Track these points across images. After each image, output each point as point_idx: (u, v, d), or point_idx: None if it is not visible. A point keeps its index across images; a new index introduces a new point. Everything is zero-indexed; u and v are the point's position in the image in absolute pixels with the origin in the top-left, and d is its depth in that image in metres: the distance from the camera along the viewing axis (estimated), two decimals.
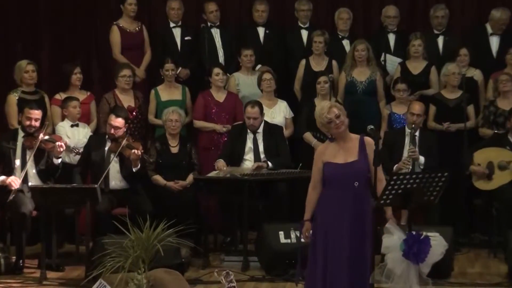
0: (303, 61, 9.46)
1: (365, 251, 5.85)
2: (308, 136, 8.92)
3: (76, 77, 8.97)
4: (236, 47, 9.60)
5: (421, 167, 8.44)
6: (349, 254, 5.84)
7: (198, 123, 9.17)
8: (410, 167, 8.42)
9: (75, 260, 8.08)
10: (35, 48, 9.98)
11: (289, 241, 7.80)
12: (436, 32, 9.62)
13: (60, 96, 8.95)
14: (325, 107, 5.97)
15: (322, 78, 8.94)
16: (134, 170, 8.22)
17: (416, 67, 9.35)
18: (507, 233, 7.79)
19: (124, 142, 8.17)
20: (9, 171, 8.00)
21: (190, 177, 8.54)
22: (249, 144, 8.63)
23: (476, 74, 9.29)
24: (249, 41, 9.55)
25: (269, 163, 8.50)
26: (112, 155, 8.20)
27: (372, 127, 6.02)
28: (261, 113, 8.61)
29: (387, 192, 5.82)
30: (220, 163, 8.47)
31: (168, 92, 9.23)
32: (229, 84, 9.34)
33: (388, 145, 8.57)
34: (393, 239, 5.92)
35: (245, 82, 9.38)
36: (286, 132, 9.03)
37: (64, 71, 9.02)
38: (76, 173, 8.49)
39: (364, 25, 10.11)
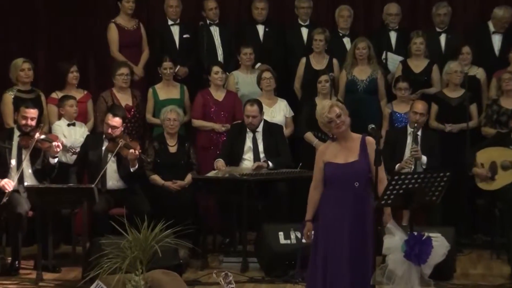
0: (303, 59, 9.44)
1: (366, 252, 5.83)
2: (309, 136, 8.89)
3: (73, 75, 8.95)
4: (235, 45, 9.58)
5: (423, 166, 8.42)
6: (350, 254, 5.82)
7: (197, 122, 9.14)
8: (413, 167, 8.41)
9: (71, 261, 8.06)
10: (31, 46, 9.95)
11: (289, 241, 7.78)
12: (438, 30, 9.60)
13: (57, 94, 8.92)
14: (326, 106, 5.95)
15: (323, 77, 8.92)
16: (131, 170, 8.20)
17: (417, 65, 9.33)
18: (510, 234, 7.82)
19: (121, 141, 8.14)
20: (5, 171, 7.96)
21: (189, 177, 8.52)
22: (249, 143, 8.60)
23: (478, 72, 9.27)
24: (248, 39, 9.52)
25: (270, 163, 8.47)
26: (109, 155, 8.18)
27: (373, 126, 6.00)
28: (261, 111, 8.58)
29: (388, 192, 5.79)
30: (220, 162, 8.45)
31: (166, 91, 9.21)
32: (228, 83, 9.32)
33: (390, 144, 8.56)
34: (394, 239, 5.88)
35: (244, 81, 9.36)
36: (286, 131, 9.01)
37: (61, 69, 9.00)
38: (72, 173, 8.48)
39: (365, 22, 10.09)
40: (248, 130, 8.60)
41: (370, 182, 5.88)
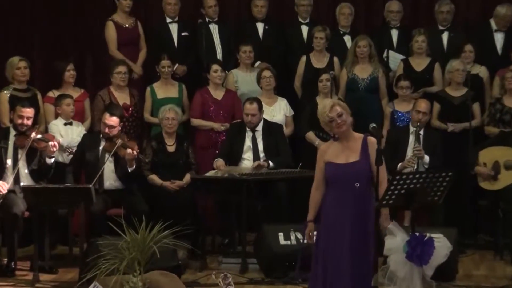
0: (304, 58, 9.42)
1: (367, 253, 5.81)
2: (310, 135, 8.86)
3: (69, 74, 8.91)
4: (234, 43, 9.57)
5: (426, 166, 8.40)
6: (351, 255, 5.80)
7: (196, 122, 9.11)
8: (415, 166, 8.38)
9: (68, 262, 8.02)
10: (27, 44, 9.93)
11: (288, 242, 7.75)
12: (440, 28, 9.59)
13: (53, 93, 8.89)
14: (327, 105, 5.95)
15: (324, 76, 8.89)
16: (129, 170, 8.17)
17: (419, 63, 9.30)
18: None
19: (119, 141, 8.11)
20: (1, 171, 7.92)
21: (187, 177, 8.49)
22: (248, 142, 8.57)
23: (481, 71, 9.26)
24: (248, 37, 9.49)
25: (270, 163, 8.44)
26: (106, 155, 8.15)
27: (374, 125, 5.99)
28: (260, 109, 8.55)
29: (389, 192, 5.78)
30: (219, 162, 8.42)
31: (164, 90, 9.18)
32: (228, 81, 9.30)
33: (391, 143, 8.53)
34: (396, 240, 5.90)
35: (244, 79, 9.33)
36: (287, 131, 8.99)
37: (57, 68, 8.97)
38: (69, 173, 8.47)
39: (366, 20, 10.08)
40: (247, 129, 8.56)
41: (371, 182, 5.86)
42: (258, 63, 9.45)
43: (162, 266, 6.61)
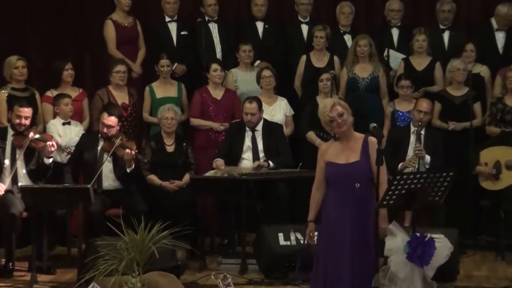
0: (304, 57, 9.41)
1: (367, 253, 5.81)
2: (311, 135, 8.85)
3: (68, 73, 8.90)
4: (234, 42, 9.55)
5: (427, 166, 8.39)
6: (351, 255, 5.80)
7: (195, 121, 9.09)
8: (416, 166, 8.37)
9: (67, 262, 8.00)
10: (26, 44, 9.93)
11: (288, 243, 7.74)
12: (442, 27, 9.58)
13: (52, 93, 8.87)
14: (328, 105, 5.95)
15: (324, 76, 8.88)
16: (128, 170, 8.16)
17: (420, 63, 9.29)
18: None
19: (117, 141, 8.10)
20: None
21: (187, 177, 8.48)
22: (248, 142, 8.56)
23: (483, 70, 9.24)
24: (247, 36, 9.48)
25: (270, 163, 8.42)
26: (105, 155, 8.15)
27: (375, 125, 5.97)
28: (260, 109, 8.53)
29: (390, 193, 5.76)
30: (219, 162, 8.41)
31: (163, 89, 9.16)
32: (227, 81, 9.29)
33: (392, 143, 8.52)
34: (396, 241, 5.88)
35: (243, 79, 9.32)
36: (287, 130, 8.98)
37: (55, 67, 8.96)
38: (67, 173, 8.44)
39: (367, 19, 10.08)
40: (247, 129, 8.55)
41: (371, 182, 5.85)
42: (258, 62, 9.44)
43: (161, 266, 6.60)
